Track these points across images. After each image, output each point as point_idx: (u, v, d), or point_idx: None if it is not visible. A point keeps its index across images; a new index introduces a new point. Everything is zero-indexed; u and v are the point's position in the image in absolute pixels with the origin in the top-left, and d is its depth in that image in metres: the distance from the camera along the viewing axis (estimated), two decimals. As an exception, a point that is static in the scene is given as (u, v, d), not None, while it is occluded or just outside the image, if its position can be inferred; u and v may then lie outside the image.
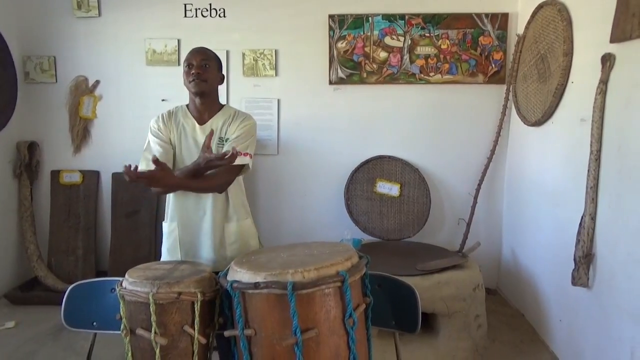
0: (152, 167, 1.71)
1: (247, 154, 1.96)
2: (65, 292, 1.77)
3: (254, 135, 2.07)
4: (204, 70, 2.00)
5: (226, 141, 2.03)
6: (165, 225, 2.09)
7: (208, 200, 2.01)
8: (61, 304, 1.76)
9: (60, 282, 3.49)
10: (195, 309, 1.43)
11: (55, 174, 3.68)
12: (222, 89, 3.56)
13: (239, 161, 1.84)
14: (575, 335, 2.47)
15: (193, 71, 1.98)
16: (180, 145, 2.05)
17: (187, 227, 2.03)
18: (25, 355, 2.69)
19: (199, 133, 2.03)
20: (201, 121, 2.05)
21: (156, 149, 2.00)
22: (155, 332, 1.38)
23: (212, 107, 2.08)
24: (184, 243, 2.03)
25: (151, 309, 1.37)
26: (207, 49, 2.09)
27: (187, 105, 2.12)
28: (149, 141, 2.06)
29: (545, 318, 2.82)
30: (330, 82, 3.52)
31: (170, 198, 2.08)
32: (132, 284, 1.45)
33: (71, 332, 1.80)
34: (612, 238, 2.12)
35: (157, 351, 1.38)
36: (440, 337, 2.67)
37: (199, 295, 1.43)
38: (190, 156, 2.01)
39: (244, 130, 2.02)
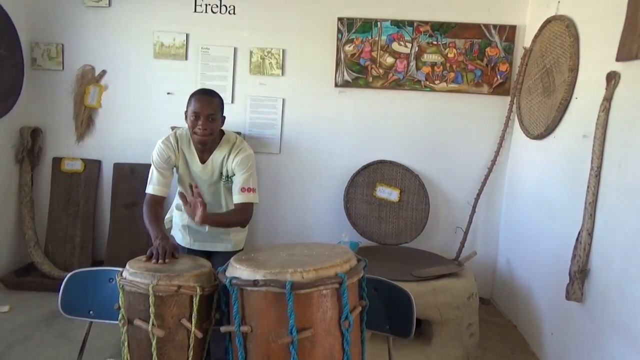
0: (157, 191, 2.14)
1: (253, 189, 2.16)
2: (63, 279, 1.78)
3: (254, 167, 2.22)
4: (210, 124, 2.08)
5: (227, 177, 2.22)
6: (177, 214, 2.40)
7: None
8: (59, 291, 1.77)
9: (56, 269, 3.50)
10: (194, 303, 1.44)
11: (57, 161, 3.68)
12: (228, 87, 3.61)
13: (251, 199, 2.14)
14: (566, 349, 2.49)
15: (200, 126, 2.05)
16: (184, 173, 2.25)
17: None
18: (18, 340, 2.70)
19: (200, 169, 2.21)
20: (202, 159, 2.21)
21: (161, 178, 2.17)
22: (153, 324, 1.39)
23: (212, 145, 2.20)
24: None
25: (150, 301, 1.38)
26: (213, 95, 2.12)
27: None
28: (152, 169, 2.19)
29: (537, 330, 2.84)
30: (336, 85, 3.53)
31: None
32: (132, 274, 1.46)
33: (64, 319, 1.81)
34: (608, 254, 2.14)
35: (154, 342, 1.39)
36: (432, 343, 2.69)
37: (198, 290, 1.44)
38: (197, 182, 2.24)
39: (245, 167, 2.17)
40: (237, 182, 2.16)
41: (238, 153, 2.18)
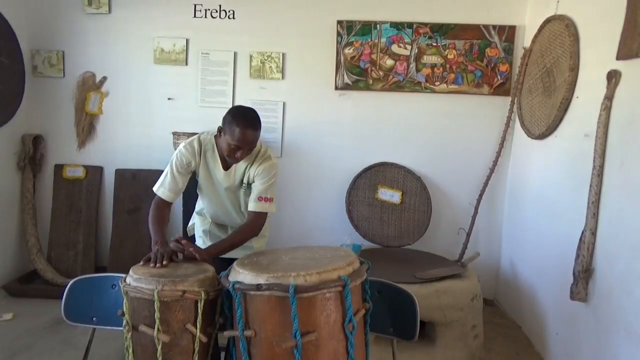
0: (166, 197, 2.05)
1: (271, 199, 2.11)
2: (65, 286, 1.78)
3: (276, 176, 2.16)
4: (249, 152, 2.04)
5: (248, 185, 2.17)
6: (198, 219, 2.42)
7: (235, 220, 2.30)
8: (62, 298, 1.77)
9: (59, 276, 3.50)
10: (199, 307, 1.44)
11: (59, 168, 3.69)
12: (228, 91, 3.62)
13: (266, 209, 2.11)
14: (571, 349, 2.48)
15: (239, 155, 2.00)
16: (205, 178, 2.18)
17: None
18: (22, 348, 2.70)
19: (223, 176, 2.15)
20: (225, 166, 2.14)
21: (173, 184, 2.09)
22: (158, 329, 1.39)
23: None
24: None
25: (155, 306, 1.38)
26: (257, 128, 1.99)
27: (215, 137, 2.14)
28: (168, 172, 2.11)
29: (542, 331, 2.83)
30: (336, 88, 3.54)
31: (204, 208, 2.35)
32: (136, 280, 1.46)
33: (69, 326, 1.81)
34: (612, 254, 2.13)
35: (159, 348, 1.39)
36: (436, 345, 2.68)
37: (202, 294, 1.44)
38: (210, 192, 2.21)
39: (267, 177, 2.11)
40: (256, 190, 2.11)
41: (262, 162, 2.12)
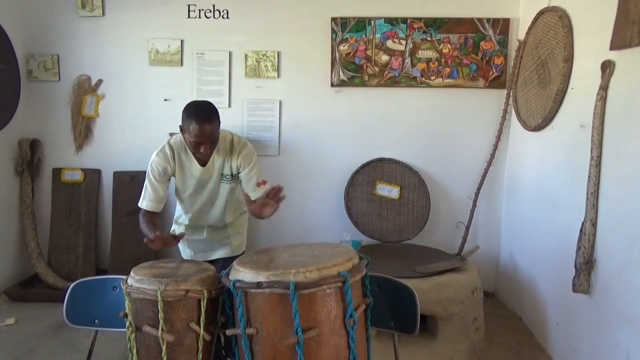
0: (151, 207, 2.12)
1: (265, 181, 2.22)
2: (67, 290, 1.79)
3: (257, 159, 2.25)
4: (212, 145, 2.07)
5: (231, 176, 2.22)
6: (176, 229, 2.41)
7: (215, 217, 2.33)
8: (63, 301, 1.77)
9: (60, 279, 3.50)
10: (202, 306, 1.45)
11: (57, 172, 3.69)
12: (224, 91, 3.62)
13: (262, 191, 2.17)
14: (571, 339, 2.49)
15: (202, 151, 2.04)
16: (183, 180, 2.21)
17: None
18: (25, 352, 2.70)
19: (200, 172, 2.19)
20: (202, 162, 2.18)
21: (154, 194, 2.15)
22: (162, 329, 1.39)
23: None
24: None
25: (159, 306, 1.39)
26: (212, 120, 2.01)
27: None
28: (147, 184, 2.16)
29: (543, 322, 2.84)
30: (332, 85, 3.54)
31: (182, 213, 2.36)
32: (138, 281, 1.47)
33: (71, 329, 1.82)
34: (611, 244, 2.14)
35: (164, 348, 1.39)
36: (438, 339, 2.69)
37: (205, 293, 1.45)
38: (191, 192, 2.23)
39: (252, 162, 2.20)
40: (250, 178, 2.19)
41: (240, 150, 2.19)
